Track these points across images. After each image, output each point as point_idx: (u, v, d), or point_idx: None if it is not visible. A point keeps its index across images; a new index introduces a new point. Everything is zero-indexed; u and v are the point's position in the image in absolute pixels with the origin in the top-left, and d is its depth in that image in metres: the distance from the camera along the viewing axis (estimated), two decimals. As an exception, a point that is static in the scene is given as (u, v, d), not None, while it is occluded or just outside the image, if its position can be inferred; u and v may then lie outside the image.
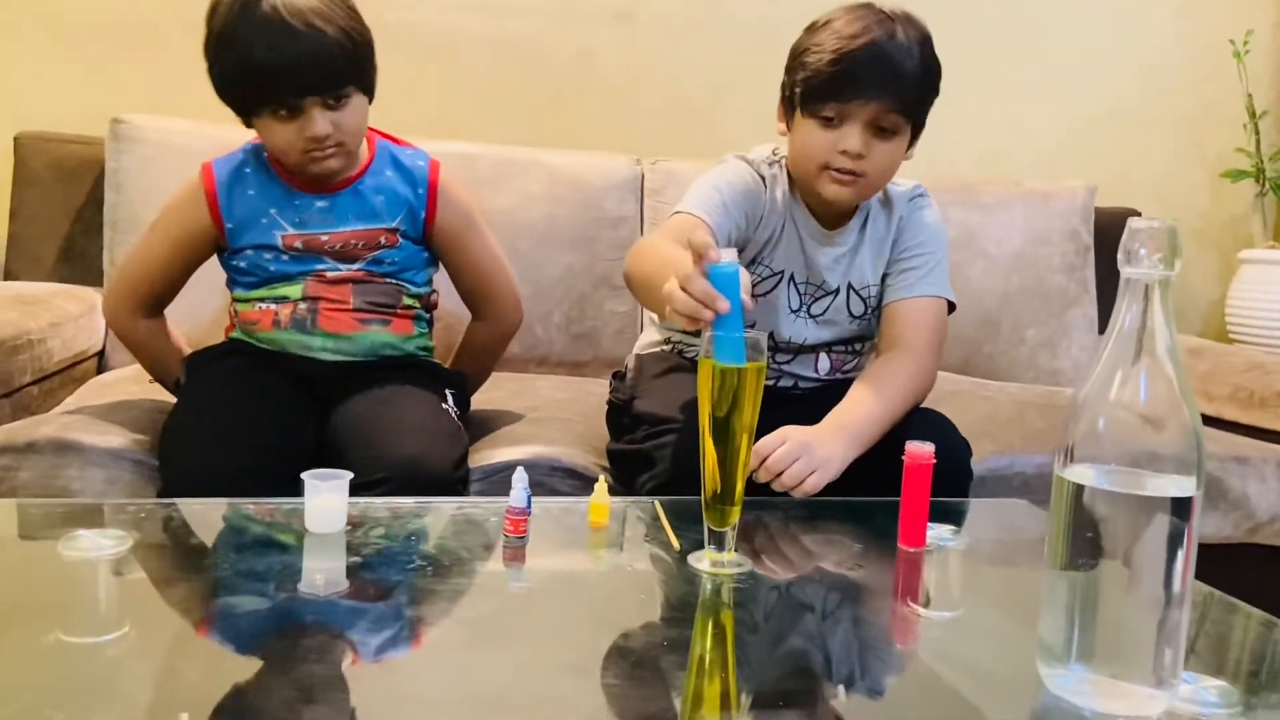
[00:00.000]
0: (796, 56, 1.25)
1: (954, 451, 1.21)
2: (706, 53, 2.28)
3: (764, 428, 1.04)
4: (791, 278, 1.34)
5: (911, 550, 0.97)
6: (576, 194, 1.97)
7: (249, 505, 1.00)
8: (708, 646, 0.77)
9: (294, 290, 1.34)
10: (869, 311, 1.37)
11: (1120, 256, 0.65)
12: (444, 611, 0.79)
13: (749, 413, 0.87)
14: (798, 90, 1.24)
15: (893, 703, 0.71)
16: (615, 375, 1.49)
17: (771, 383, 1.35)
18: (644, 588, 0.88)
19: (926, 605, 0.88)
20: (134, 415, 1.35)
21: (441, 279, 1.47)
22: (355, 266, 1.35)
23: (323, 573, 0.86)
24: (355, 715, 0.63)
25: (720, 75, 2.28)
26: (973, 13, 2.35)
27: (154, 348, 1.43)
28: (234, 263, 1.36)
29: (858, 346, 1.41)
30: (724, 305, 0.87)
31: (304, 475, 0.91)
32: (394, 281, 1.38)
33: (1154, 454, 0.65)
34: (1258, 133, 2.46)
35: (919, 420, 1.23)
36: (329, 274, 1.35)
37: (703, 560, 0.90)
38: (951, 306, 1.35)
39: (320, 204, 1.34)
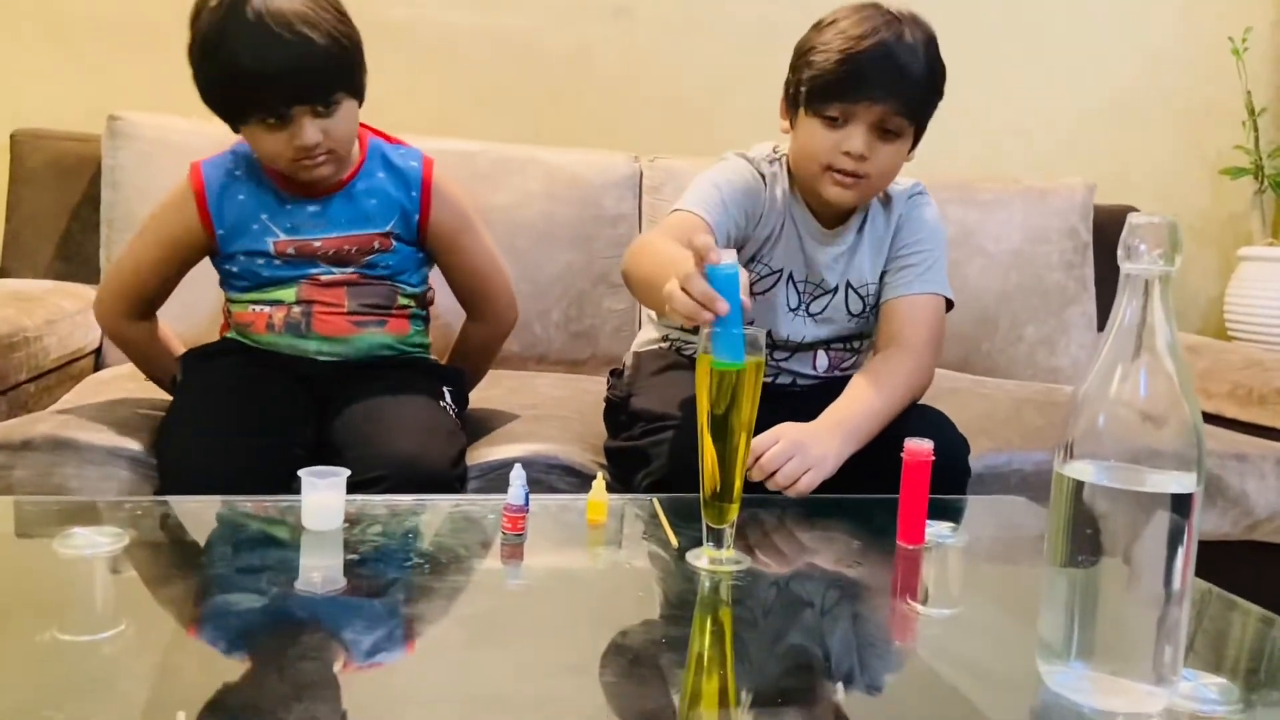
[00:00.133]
0: (802, 54, 1.24)
1: (952, 449, 1.21)
2: (705, 50, 2.28)
3: (762, 425, 1.04)
4: (790, 276, 1.34)
5: (910, 547, 0.97)
6: (575, 191, 1.96)
7: (246, 503, 0.99)
8: (706, 644, 0.77)
9: (287, 294, 1.33)
10: (867, 310, 1.37)
11: (1120, 252, 0.65)
12: (442, 609, 0.79)
13: (747, 410, 0.87)
14: (803, 89, 1.23)
15: (892, 700, 0.71)
16: (613, 373, 1.49)
17: (770, 380, 1.35)
18: (642, 585, 0.88)
19: (925, 602, 0.87)
20: (131, 413, 1.35)
21: (437, 275, 1.47)
22: (349, 270, 1.34)
23: (320, 570, 0.86)
24: (352, 713, 0.63)
25: (719, 72, 2.28)
26: (972, 10, 2.35)
27: (147, 349, 1.42)
28: (226, 267, 1.35)
29: (856, 344, 1.40)
30: (723, 307, 0.87)
31: (301, 472, 0.91)
32: (389, 283, 1.37)
33: (1154, 450, 0.64)
34: (1256, 130, 2.46)
35: (917, 417, 1.23)
36: (323, 277, 1.33)
37: (701, 558, 0.89)
38: (950, 304, 1.35)
39: (312, 208, 1.32)
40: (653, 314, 1.49)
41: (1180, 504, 0.64)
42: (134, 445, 1.27)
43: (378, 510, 0.99)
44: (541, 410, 1.54)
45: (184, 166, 1.35)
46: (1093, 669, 0.65)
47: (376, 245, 1.34)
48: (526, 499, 0.93)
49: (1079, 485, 0.65)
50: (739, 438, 0.87)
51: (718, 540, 0.89)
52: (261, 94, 1.19)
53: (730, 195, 1.27)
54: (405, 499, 1.04)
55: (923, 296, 1.32)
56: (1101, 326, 2.20)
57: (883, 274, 1.36)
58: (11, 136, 1.90)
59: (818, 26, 1.24)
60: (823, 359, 1.39)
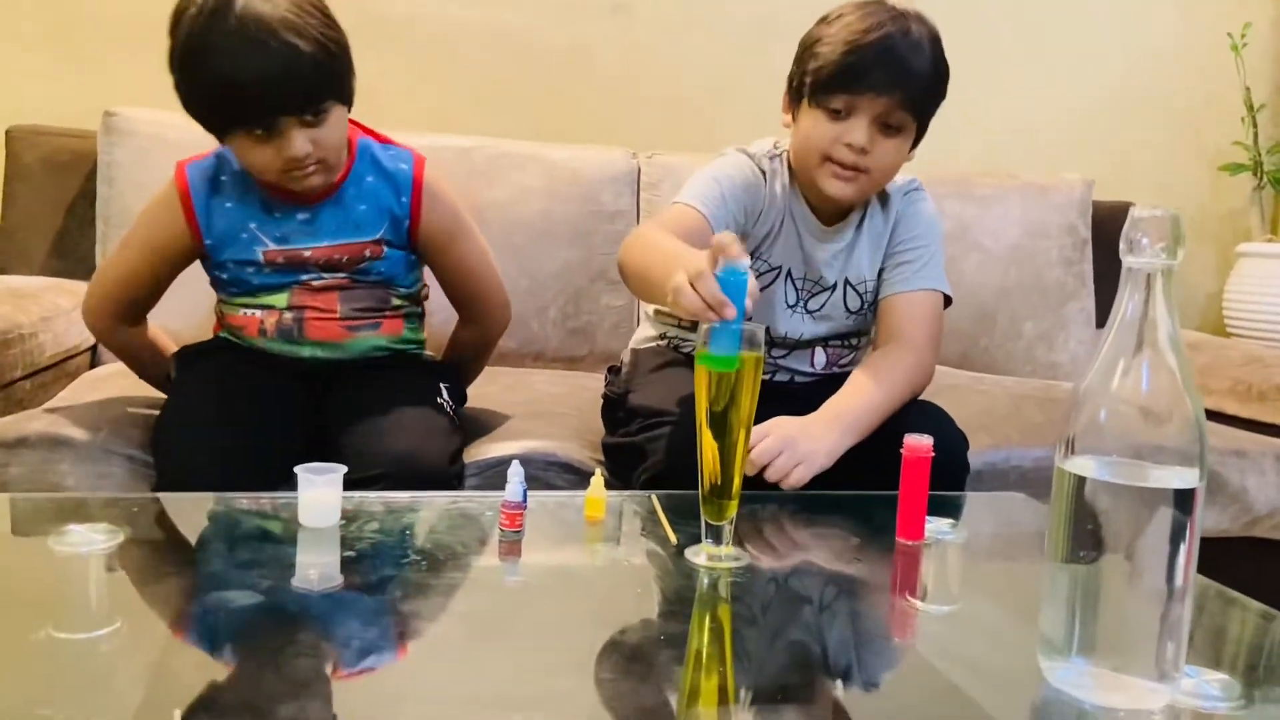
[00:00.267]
0: (808, 46, 1.24)
1: (952, 445, 1.21)
2: (704, 46, 2.27)
3: (760, 422, 1.04)
4: (789, 273, 1.34)
5: (910, 544, 0.96)
6: (573, 188, 1.96)
7: (242, 499, 0.99)
8: (705, 641, 0.76)
9: (279, 299, 1.30)
10: (865, 306, 1.37)
11: (1122, 246, 0.65)
12: (439, 607, 0.78)
13: (746, 406, 0.87)
14: (807, 80, 1.23)
15: (892, 697, 0.71)
16: (610, 370, 1.49)
17: (768, 377, 1.34)
18: (641, 582, 0.87)
19: (925, 599, 0.87)
20: (126, 410, 1.34)
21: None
22: (341, 275, 1.31)
23: (316, 568, 0.85)
24: (349, 711, 0.63)
25: (717, 69, 2.27)
26: (972, 6, 2.34)
27: (138, 352, 1.40)
28: (215, 273, 1.32)
29: (853, 341, 1.40)
30: (730, 312, 0.87)
31: (297, 469, 0.91)
32: (382, 287, 1.34)
33: (1156, 445, 0.64)
34: (1255, 126, 2.46)
35: (917, 413, 1.22)
36: (314, 283, 1.30)
37: (700, 554, 0.89)
38: (948, 300, 1.35)
39: (301, 216, 1.28)
40: (650, 311, 1.49)
41: (1182, 499, 0.63)
42: (129, 443, 1.26)
43: (375, 507, 0.99)
44: (539, 407, 1.54)
45: (181, 163, 1.34)
46: (1094, 665, 0.65)
47: (368, 254, 1.31)
48: (524, 495, 0.92)
49: (1080, 481, 0.65)
50: (738, 434, 0.87)
51: (716, 537, 0.89)
52: (247, 106, 1.15)
53: (730, 190, 1.27)
54: (402, 496, 1.04)
55: (921, 293, 1.32)
56: (1100, 323, 2.21)
57: (880, 270, 1.36)
58: (7, 133, 1.90)
59: (824, 20, 1.24)
60: (821, 356, 1.38)
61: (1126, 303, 0.65)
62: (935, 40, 1.22)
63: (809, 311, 1.35)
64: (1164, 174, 2.52)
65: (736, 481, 0.87)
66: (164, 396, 1.34)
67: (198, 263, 1.35)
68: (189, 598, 0.79)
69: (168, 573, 0.85)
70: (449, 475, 1.21)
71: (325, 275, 1.30)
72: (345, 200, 1.30)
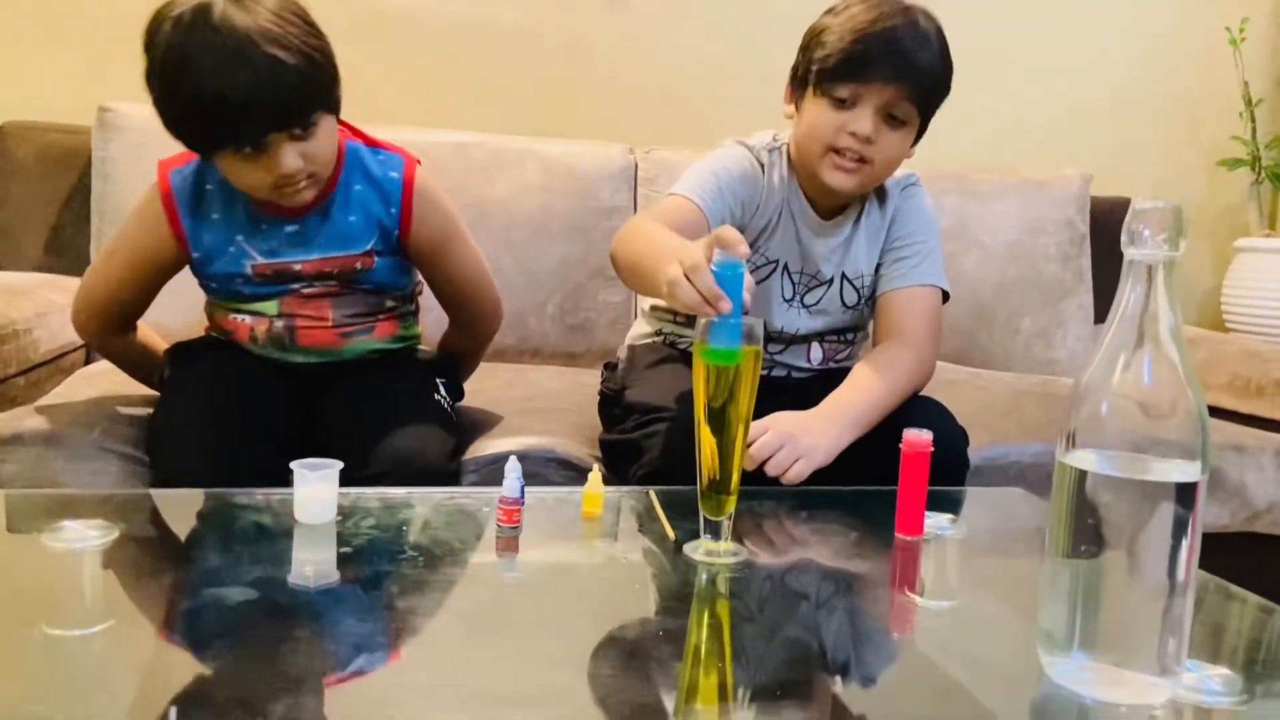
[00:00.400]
0: (815, 36, 1.24)
1: (951, 440, 1.21)
2: (700, 41, 2.27)
3: (758, 418, 1.03)
4: (785, 267, 1.33)
5: (909, 539, 0.96)
6: (570, 184, 1.95)
7: (237, 495, 0.98)
8: (704, 637, 0.76)
9: (269, 306, 1.28)
10: (862, 301, 1.36)
11: (1124, 238, 0.64)
12: (436, 603, 0.78)
13: (745, 401, 0.86)
14: (813, 68, 1.22)
15: (891, 692, 0.70)
16: (607, 366, 1.48)
17: (764, 373, 1.33)
18: (639, 578, 0.87)
19: (924, 594, 0.87)
20: (121, 408, 1.34)
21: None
22: (332, 283, 1.28)
23: (312, 564, 0.84)
24: (346, 708, 0.62)
25: (714, 64, 2.27)
26: (970, 1, 2.34)
27: (130, 356, 1.38)
28: (204, 281, 1.30)
29: (850, 336, 1.40)
30: (726, 306, 0.87)
31: (293, 465, 0.90)
32: (374, 293, 1.32)
33: (1158, 439, 0.63)
34: (1253, 120, 2.46)
35: (916, 408, 1.22)
36: (305, 290, 1.27)
37: (698, 550, 0.89)
38: (946, 295, 1.34)
39: (289, 228, 1.24)
40: (646, 307, 1.48)
41: (1184, 493, 0.63)
42: (124, 440, 1.25)
43: (371, 503, 0.98)
44: (537, 403, 1.53)
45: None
46: (1095, 660, 0.65)
47: (359, 266, 1.28)
48: (522, 491, 0.92)
49: (1081, 475, 0.64)
50: (736, 429, 0.86)
51: (715, 532, 0.88)
52: (234, 125, 1.10)
53: (727, 182, 1.26)
54: (399, 491, 1.03)
55: (920, 288, 1.32)
56: (1098, 319, 2.20)
57: (878, 266, 1.35)
58: (1, 128, 1.89)
59: (830, 12, 1.24)
60: (817, 351, 1.38)
61: (1128, 295, 0.64)
62: (941, 35, 1.22)
63: (805, 306, 1.35)
64: (1162, 169, 2.52)
65: (735, 477, 0.87)
66: (157, 394, 1.33)
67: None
68: (184, 594, 0.78)
69: (162, 569, 0.84)
70: (447, 473, 1.21)
71: (316, 283, 1.28)
72: (334, 211, 1.25)
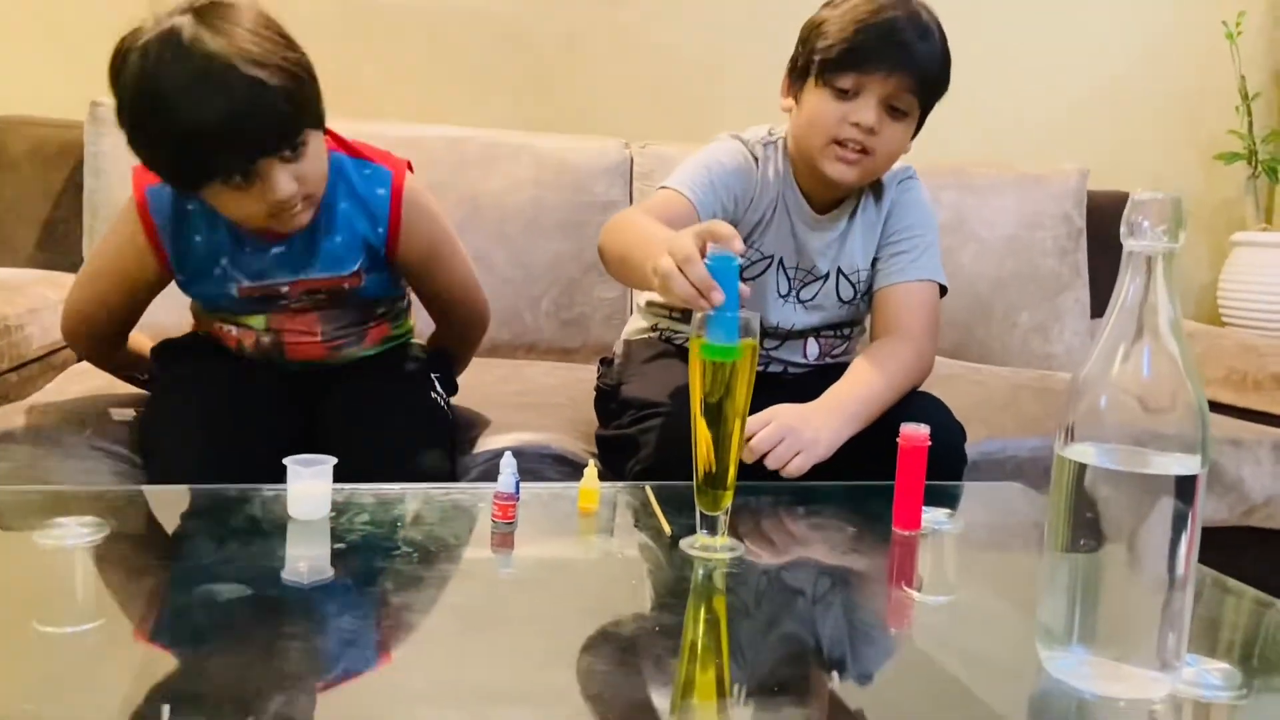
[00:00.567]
0: (815, 27, 1.24)
1: (948, 435, 1.20)
2: (695, 35, 2.26)
3: (754, 413, 1.03)
4: (781, 262, 1.32)
5: (906, 534, 0.96)
6: (565, 178, 1.95)
7: (230, 492, 0.97)
8: (700, 632, 0.76)
9: (256, 320, 1.25)
10: (858, 296, 1.36)
11: (1123, 229, 0.64)
12: (431, 599, 0.77)
13: (742, 395, 0.86)
14: (815, 59, 1.22)
15: (889, 687, 0.70)
16: (603, 361, 1.48)
17: (761, 369, 1.33)
18: (635, 573, 0.86)
19: (922, 589, 0.86)
20: (113, 405, 1.33)
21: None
22: (321, 297, 1.25)
23: (306, 560, 0.84)
24: (340, 704, 0.62)
25: (709, 58, 2.26)
26: (965, -5, 2.33)
27: (119, 361, 1.36)
28: (189, 294, 1.27)
29: (846, 331, 1.39)
30: (718, 298, 0.86)
31: (286, 461, 0.89)
32: (363, 306, 1.30)
33: (1157, 432, 0.63)
34: (1250, 115, 2.46)
35: (913, 403, 1.22)
36: (293, 305, 1.24)
37: (695, 545, 0.88)
38: (943, 290, 1.34)
39: (275, 250, 1.19)
40: (642, 302, 1.47)
41: (1184, 486, 0.62)
42: (116, 439, 1.25)
43: (365, 499, 0.98)
44: (532, 399, 1.53)
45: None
46: (1094, 654, 0.64)
47: (347, 285, 1.24)
48: (517, 487, 0.91)
49: (1081, 468, 0.64)
50: (733, 423, 0.86)
51: (711, 527, 0.88)
52: (218, 156, 1.02)
53: (720, 176, 1.25)
54: (393, 487, 1.02)
55: (917, 283, 1.31)
56: (1095, 313, 2.20)
57: (875, 260, 1.35)
58: (-8, 124, 1.88)
59: (830, 4, 1.24)
60: (813, 346, 1.37)
61: (1127, 287, 0.64)
62: (940, 29, 1.22)
63: (801, 301, 1.34)
64: (1159, 163, 2.52)
65: (731, 472, 0.87)
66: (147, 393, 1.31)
67: None
68: (176, 591, 0.78)
69: (155, 566, 0.84)
70: (443, 471, 1.20)
71: (305, 298, 1.25)
72: (319, 231, 1.20)
